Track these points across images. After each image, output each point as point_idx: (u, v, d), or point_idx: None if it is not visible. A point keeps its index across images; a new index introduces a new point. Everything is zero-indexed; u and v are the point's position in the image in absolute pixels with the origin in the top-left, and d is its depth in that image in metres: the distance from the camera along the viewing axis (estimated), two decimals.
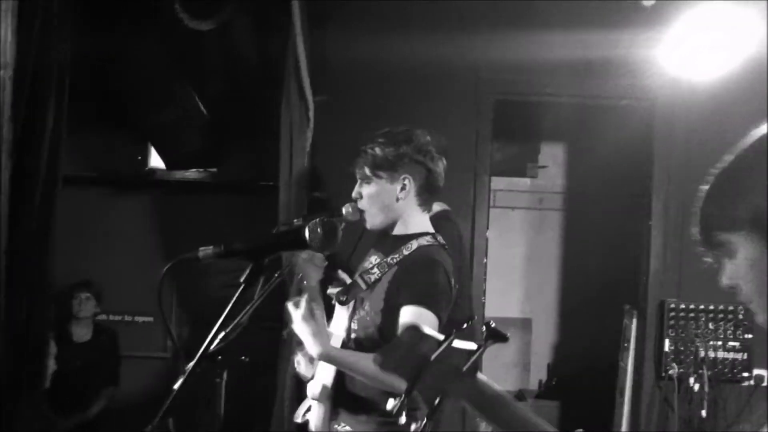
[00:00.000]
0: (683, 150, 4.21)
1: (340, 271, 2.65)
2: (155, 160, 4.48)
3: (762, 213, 1.10)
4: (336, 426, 2.50)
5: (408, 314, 2.30)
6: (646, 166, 4.33)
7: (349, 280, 2.62)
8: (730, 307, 4.07)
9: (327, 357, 2.36)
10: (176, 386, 1.69)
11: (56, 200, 3.00)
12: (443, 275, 2.40)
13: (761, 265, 1.13)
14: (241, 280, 1.82)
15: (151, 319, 5.04)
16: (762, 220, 1.11)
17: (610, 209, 5.26)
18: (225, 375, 1.89)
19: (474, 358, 1.65)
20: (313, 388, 2.54)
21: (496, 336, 1.65)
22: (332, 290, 2.63)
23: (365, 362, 2.34)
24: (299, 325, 2.33)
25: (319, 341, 2.31)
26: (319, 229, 1.93)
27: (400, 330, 2.29)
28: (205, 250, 1.86)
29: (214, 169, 4.50)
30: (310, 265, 2.49)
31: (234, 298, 1.80)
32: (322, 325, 2.34)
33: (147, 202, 4.96)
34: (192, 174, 4.58)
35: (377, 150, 2.45)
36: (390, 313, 2.35)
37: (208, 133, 4.11)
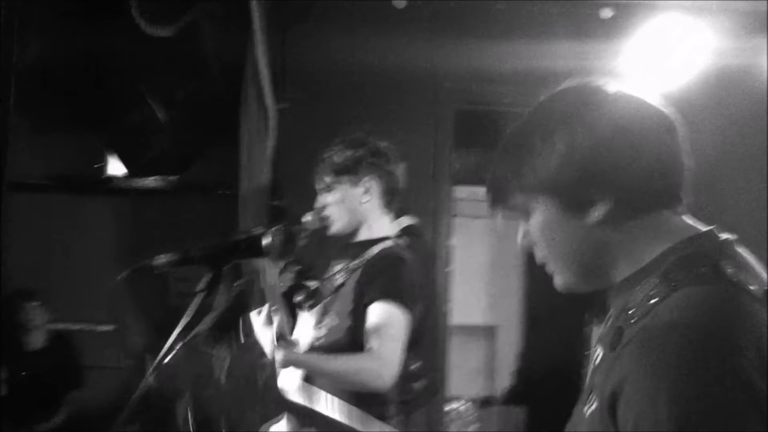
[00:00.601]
0: None
1: (306, 281, 2.65)
2: (114, 168, 4.43)
3: (554, 176, 1.07)
4: (305, 428, 2.48)
5: (375, 311, 2.30)
6: None
7: (314, 288, 2.62)
8: None
9: (290, 362, 2.35)
10: (133, 397, 1.67)
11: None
12: (407, 272, 2.39)
13: (554, 228, 1.10)
14: (198, 288, 1.81)
15: (111, 328, 4.97)
16: (554, 183, 1.07)
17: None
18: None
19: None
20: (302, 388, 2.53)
21: None
22: (298, 298, 2.63)
23: (331, 363, 2.34)
24: (261, 333, 2.33)
25: (275, 347, 2.31)
26: (276, 237, 1.92)
27: (366, 328, 2.30)
28: (160, 259, 1.84)
29: (175, 177, 4.45)
30: (268, 273, 2.48)
31: (192, 307, 1.78)
32: (282, 332, 2.34)
33: (106, 209, 4.89)
34: (152, 182, 4.53)
35: (335, 157, 2.45)
36: (359, 314, 2.34)
37: (170, 140, 4.07)
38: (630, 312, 1.03)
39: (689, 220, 1.12)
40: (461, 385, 5.32)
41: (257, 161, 3.76)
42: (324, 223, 2.47)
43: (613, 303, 1.11)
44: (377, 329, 2.28)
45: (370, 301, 2.31)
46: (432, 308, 3.29)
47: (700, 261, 1.02)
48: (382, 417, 2.41)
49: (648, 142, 1.07)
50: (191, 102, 4.07)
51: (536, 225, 1.12)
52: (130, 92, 3.90)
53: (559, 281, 1.15)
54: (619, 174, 1.05)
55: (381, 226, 2.48)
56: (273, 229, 1.93)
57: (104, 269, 4.59)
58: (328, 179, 2.46)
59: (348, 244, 2.51)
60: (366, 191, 2.44)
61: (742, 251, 1.09)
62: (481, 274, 6.08)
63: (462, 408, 5.35)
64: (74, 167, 4.64)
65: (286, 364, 2.35)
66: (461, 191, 5.55)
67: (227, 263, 1.86)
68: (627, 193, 1.06)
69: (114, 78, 3.86)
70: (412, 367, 2.81)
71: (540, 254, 1.15)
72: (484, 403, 5.67)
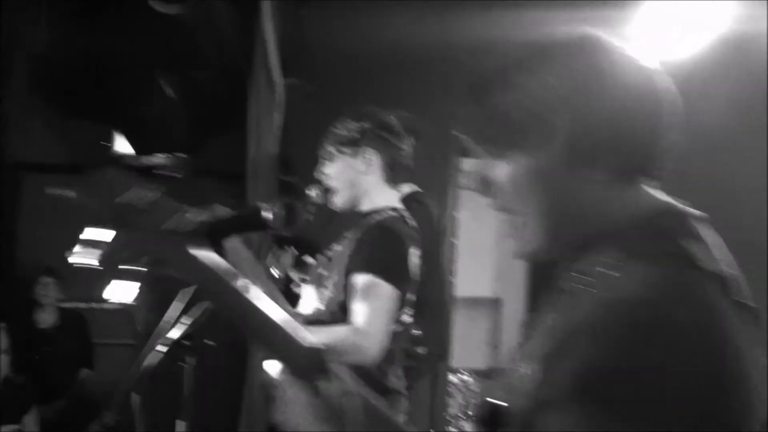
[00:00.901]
0: None
1: (309, 256, 2.65)
2: (120, 146, 4.43)
3: (564, 124, 1.01)
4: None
5: (360, 284, 2.30)
6: None
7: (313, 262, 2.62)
8: None
9: None
10: (138, 368, 1.68)
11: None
12: (399, 246, 2.39)
13: (545, 179, 1.03)
14: None
15: (120, 305, 5.00)
16: (561, 130, 1.01)
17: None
18: (193, 361, 1.89)
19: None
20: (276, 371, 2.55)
21: None
22: (298, 273, 2.63)
23: (312, 335, 2.34)
24: None
25: None
26: (277, 211, 1.92)
27: (351, 301, 2.30)
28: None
29: (184, 155, 4.45)
30: (234, 250, 2.47)
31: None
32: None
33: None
34: (160, 160, 4.53)
35: (339, 128, 2.46)
36: (353, 285, 2.34)
37: (182, 122, 4.06)
38: (579, 276, 1.01)
39: (661, 194, 1.10)
40: (466, 357, 5.36)
41: (266, 138, 3.76)
42: (327, 196, 2.48)
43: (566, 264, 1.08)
44: (361, 303, 2.28)
45: (356, 274, 2.31)
46: (436, 276, 3.30)
47: (666, 237, 1.00)
48: (384, 386, 2.42)
49: (644, 105, 1.03)
50: (203, 81, 4.06)
51: (521, 172, 1.04)
52: (142, 74, 3.89)
53: (524, 243, 1.08)
54: (617, 133, 1.01)
55: (383, 197, 2.48)
56: (274, 202, 1.93)
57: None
58: (330, 150, 2.47)
59: (351, 217, 2.52)
60: (366, 163, 2.44)
61: (710, 233, 1.07)
62: (487, 247, 6.09)
63: (466, 379, 5.40)
64: (80, 147, 4.64)
65: None
66: (468, 163, 5.55)
67: (227, 236, 1.86)
68: (619, 154, 1.02)
69: (125, 60, 3.84)
70: (416, 333, 2.83)
71: (505, 204, 1.07)
72: (489, 375, 5.72)
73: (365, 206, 2.48)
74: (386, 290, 2.29)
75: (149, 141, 4.21)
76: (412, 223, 2.49)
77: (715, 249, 1.03)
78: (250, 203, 3.56)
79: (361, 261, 2.33)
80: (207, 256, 1.15)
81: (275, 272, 2.71)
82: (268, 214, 1.90)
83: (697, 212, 1.08)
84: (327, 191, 2.48)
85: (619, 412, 0.87)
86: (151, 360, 1.76)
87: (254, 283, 2.38)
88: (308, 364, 1.09)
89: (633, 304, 0.91)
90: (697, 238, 1.02)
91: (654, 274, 0.94)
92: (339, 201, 2.48)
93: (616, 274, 0.97)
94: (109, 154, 4.51)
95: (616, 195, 1.05)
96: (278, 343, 1.12)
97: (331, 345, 2.33)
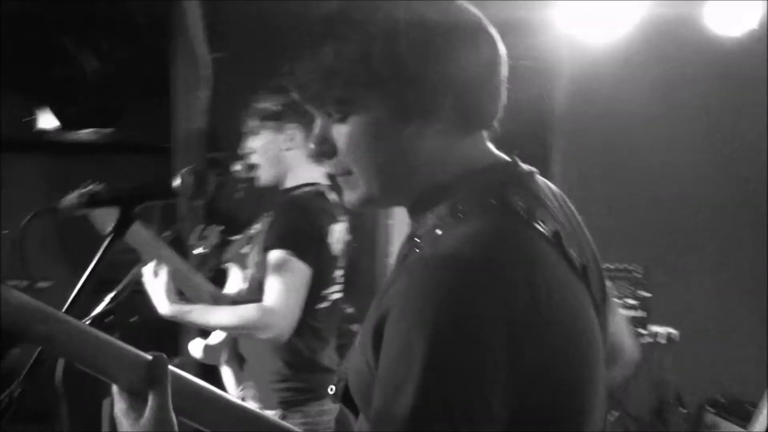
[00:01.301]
0: (583, 111, 4.27)
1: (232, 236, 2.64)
2: (45, 122, 4.29)
3: (389, 75, 0.97)
4: (239, 390, 2.47)
5: (270, 260, 2.27)
6: (544, 128, 4.38)
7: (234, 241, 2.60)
8: (627, 266, 4.17)
9: (173, 315, 2.32)
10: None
11: None
12: (310, 221, 2.36)
13: (374, 134, 1.00)
14: (108, 231, 1.75)
15: (50, 283, 4.86)
16: (388, 82, 0.97)
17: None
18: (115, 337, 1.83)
19: None
20: (203, 351, 2.51)
21: None
22: (220, 254, 2.61)
23: (217, 315, 2.32)
24: (148, 286, 2.32)
25: (161, 301, 2.29)
26: (186, 179, 1.87)
27: (264, 277, 2.28)
28: (67, 200, 1.78)
29: (110, 130, 4.34)
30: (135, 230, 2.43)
31: (100, 251, 1.71)
32: (167, 285, 2.30)
33: (37, 164, 4.76)
34: (86, 135, 4.41)
35: (263, 102, 2.42)
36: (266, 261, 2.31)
37: (97, 92, 3.95)
38: (416, 239, 0.99)
39: (493, 147, 1.08)
40: None
41: (191, 112, 3.68)
42: (252, 172, 2.44)
43: (411, 227, 1.06)
44: (271, 280, 2.26)
45: (266, 250, 2.28)
46: (367, 250, 3.28)
47: (493, 192, 0.97)
48: (315, 364, 2.40)
49: (473, 53, 1.00)
50: (117, 53, 3.95)
51: (353, 129, 1.00)
52: (54, 45, 3.77)
53: (357, 195, 1.05)
54: (447, 83, 0.98)
55: (307, 173, 2.44)
56: (183, 170, 1.88)
57: (40, 226, 4.49)
58: (253, 124, 2.43)
59: (276, 194, 2.49)
60: (289, 138, 2.40)
61: (545, 186, 1.06)
62: None
63: None
64: (2, 123, 4.50)
65: (169, 317, 2.32)
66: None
67: (137, 205, 1.81)
68: (450, 104, 0.99)
69: (36, 32, 3.72)
70: (348, 310, 2.82)
71: (341, 163, 1.04)
72: None
73: (290, 182, 2.45)
74: (296, 266, 2.26)
75: (71, 115, 4.09)
76: (334, 198, 2.44)
77: (548, 202, 1.01)
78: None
79: (272, 237, 2.30)
80: (18, 296, 1.05)
81: (201, 251, 2.66)
82: (177, 181, 1.85)
83: (527, 167, 1.06)
84: (252, 167, 2.44)
85: (430, 377, 0.81)
86: None
87: (160, 261, 2.34)
88: (142, 379, 0.99)
89: (444, 262, 0.87)
90: (527, 192, 0.99)
91: (474, 230, 0.91)
92: (263, 177, 2.44)
93: (439, 232, 0.94)
94: (33, 129, 4.39)
95: (451, 148, 1.02)
96: (104, 362, 1.03)
97: (239, 324, 2.33)
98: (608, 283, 1.12)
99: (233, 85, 3.82)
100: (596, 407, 0.93)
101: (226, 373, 2.51)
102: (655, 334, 4.19)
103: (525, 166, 1.06)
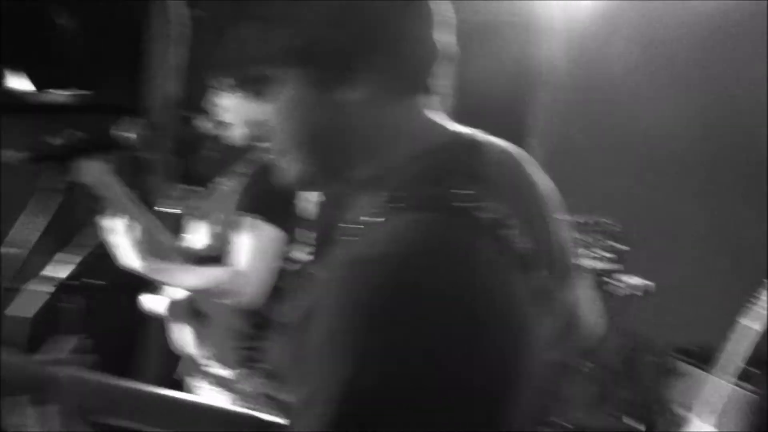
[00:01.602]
0: (566, 66, 4.26)
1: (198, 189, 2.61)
2: (15, 82, 4.18)
3: (308, 44, 0.91)
4: (200, 349, 2.47)
5: (241, 223, 2.27)
6: (526, 86, 4.37)
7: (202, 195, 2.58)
8: (605, 220, 4.21)
9: (142, 271, 2.32)
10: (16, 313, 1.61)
11: None
12: (284, 187, 2.36)
13: (302, 107, 0.94)
14: (54, 186, 1.72)
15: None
16: (308, 52, 0.91)
17: (491, 131, 5.31)
18: (80, 302, 1.82)
19: None
20: (169, 308, 2.51)
21: None
22: (185, 206, 2.59)
23: (189, 275, 2.32)
24: (115, 239, 2.31)
25: (130, 256, 2.28)
26: (134, 131, 1.86)
27: (233, 238, 2.25)
28: (10, 155, 1.76)
29: (84, 91, 4.24)
30: (104, 176, 2.39)
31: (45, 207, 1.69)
32: (138, 240, 2.28)
33: (8, 126, 4.65)
34: (60, 97, 4.31)
35: (236, 62, 2.38)
36: (235, 224, 2.32)
37: (77, 52, 3.86)
38: (348, 225, 0.93)
39: (446, 120, 1.00)
40: None
41: (167, 72, 3.61)
42: (224, 131, 2.41)
43: (348, 205, 1.01)
44: (242, 243, 2.26)
45: (240, 213, 2.28)
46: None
47: (438, 179, 0.89)
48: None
49: (399, 9, 0.93)
50: (92, 14, 3.85)
51: (281, 103, 0.95)
52: (28, 6, 3.66)
53: (294, 174, 1.00)
54: (373, 44, 0.91)
55: None
56: (133, 122, 1.86)
57: (11, 188, 4.41)
58: (228, 83, 2.40)
59: (245, 153, 2.46)
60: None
61: (504, 162, 0.98)
62: None
63: None
64: None
65: (144, 273, 2.31)
66: None
67: (83, 157, 1.78)
68: (377, 67, 0.92)
69: None
70: (316, 273, 2.81)
71: (276, 141, 0.98)
72: None
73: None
74: (269, 231, 2.26)
75: (44, 76, 3.99)
76: None
77: (500, 184, 0.93)
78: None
79: (245, 201, 2.29)
80: None
81: (169, 208, 2.64)
82: (129, 134, 1.83)
83: (484, 138, 0.98)
84: (221, 124, 2.41)
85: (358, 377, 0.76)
86: (30, 302, 1.69)
87: (130, 216, 2.31)
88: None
89: (367, 260, 0.81)
90: (477, 176, 0.91)
91: (406, 224, 0.84)
92: (235, 136, 2.41)
93: (371, 222, 0.88)
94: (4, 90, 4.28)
95: (385, 119, 0.95)
96: None
97: (210, 287, 2.33)
98: (576, 258, 1.06)
99: (211, 44, 3.77)
100: (523, 396, 0.86)
101: (186, 332, 2.50)
102: (631, 286, 4.27)
103: (482, 139, 0.99)
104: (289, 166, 0.99)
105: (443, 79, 0.99)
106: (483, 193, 0.89)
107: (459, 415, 0.77)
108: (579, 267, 1.10)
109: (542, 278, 0.92)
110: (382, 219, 0.87)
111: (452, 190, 0.87)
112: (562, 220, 1.06)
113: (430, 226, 0.84)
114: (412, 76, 0.95)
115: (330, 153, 0.96)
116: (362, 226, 0.89)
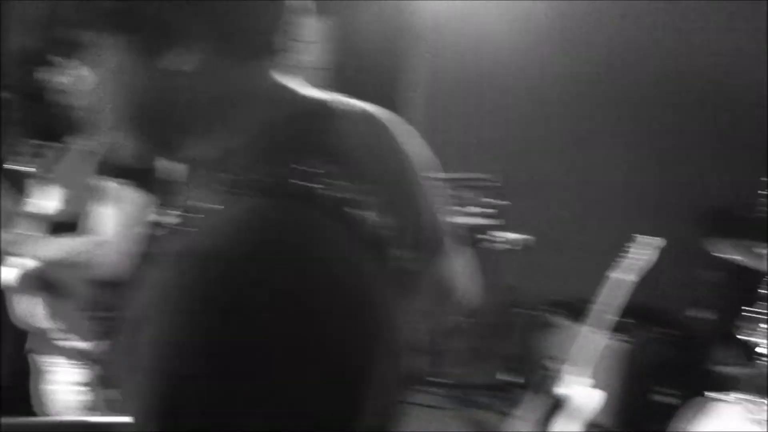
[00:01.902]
0: (445, 25, 4.24)
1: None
2: None
3: (128, 8, 0.81)
4: (51, 321, 2.34)
5: (103, 188, 2.17)
6: (405, 42, 4.33)
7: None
8: (485, 176, 4.26)
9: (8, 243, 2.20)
10: None
11: None
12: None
13: (122, 76, 0.84)
14: None
15: None
16: (119, 15, 0.81)
17: (367, 90, 5.26)
18: None
19: None
20: (20, 279, 2.36)
21: None
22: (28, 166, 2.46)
23: (49, 246, 2.21)
24: None
25: None
26: None
27: (95, 203, 2.17)
28: None
29: None
30: None
31: None
32: None
33: None
34: None
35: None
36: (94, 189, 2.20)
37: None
38: (183, 213, 0.84)
39: (300, 84, 0.90)
40: None
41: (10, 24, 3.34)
42: (77, 85, 2.26)
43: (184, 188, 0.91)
44: (105, 209, 2.16)
45: (102, 177, 2.17)
46: None
47: (282, 157, 0.81)
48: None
49: None
50: None
51: (103, 72, 0.86)
52: None
53: (124, 151, 0.91)
54: (206, 4, 0.81)
55: None
56: None
57: None
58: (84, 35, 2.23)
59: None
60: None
61: (361, 133, 0.89)
62: None
63: None
64: None
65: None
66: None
67: None
68: (217, 29, 0.82)
69: None
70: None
71: (103, 112, 0.89)
72: None
73: None
74: (134, 197, 2.15)
75: None
76: None
77: (352, 158, 0.85)
78: None
79: (109, 165, 2.16)
80: None
81: (15, 165, 2.46)
82: None
83: (342, 105, 0.90)
84: (77, 80, 2.25)
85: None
86: None
87: None
88: None
89: (199, 254, 0.73)
90: (328, 151, 0.83)
91: (243, 213, 0.76)
92: (75, 101, 2.26)
93: (223, 217, 0.77)
94: None
95: (222, 88, 0.84)
96: None
97: (72, 257, 2.19)
98: (449, 225, 1.01)
99: None
100: (377, 380, 0.79)
101: (36, 305, 2.36)
102: (509, 241, 4.34)
103: (340, 106, 0.90)
104: (120, 140, 0.89)
105: (299, 36, 0.88)
106: (334, 171, 0.81)
107: (304, 411, 0.71)
108: (452, 233, 1.04)
109: (403, 257, 0.85)
110: (221, 206, 0.78)
111: (298, 170, 0.79)
112: (434, 186, 0.98)
113: (269, 215, 0.76)
114: (251, 37, 0.84)
115: (160, 127, 0.86)
116: (201, 215, 0.79)
